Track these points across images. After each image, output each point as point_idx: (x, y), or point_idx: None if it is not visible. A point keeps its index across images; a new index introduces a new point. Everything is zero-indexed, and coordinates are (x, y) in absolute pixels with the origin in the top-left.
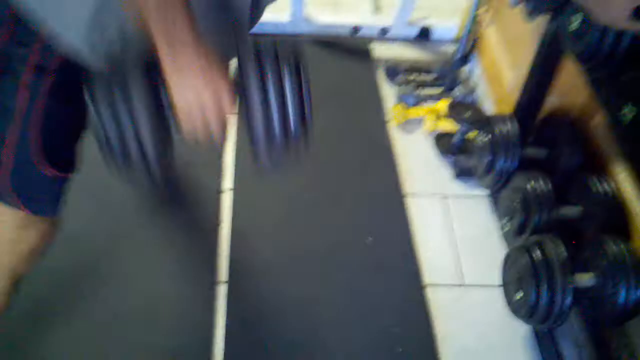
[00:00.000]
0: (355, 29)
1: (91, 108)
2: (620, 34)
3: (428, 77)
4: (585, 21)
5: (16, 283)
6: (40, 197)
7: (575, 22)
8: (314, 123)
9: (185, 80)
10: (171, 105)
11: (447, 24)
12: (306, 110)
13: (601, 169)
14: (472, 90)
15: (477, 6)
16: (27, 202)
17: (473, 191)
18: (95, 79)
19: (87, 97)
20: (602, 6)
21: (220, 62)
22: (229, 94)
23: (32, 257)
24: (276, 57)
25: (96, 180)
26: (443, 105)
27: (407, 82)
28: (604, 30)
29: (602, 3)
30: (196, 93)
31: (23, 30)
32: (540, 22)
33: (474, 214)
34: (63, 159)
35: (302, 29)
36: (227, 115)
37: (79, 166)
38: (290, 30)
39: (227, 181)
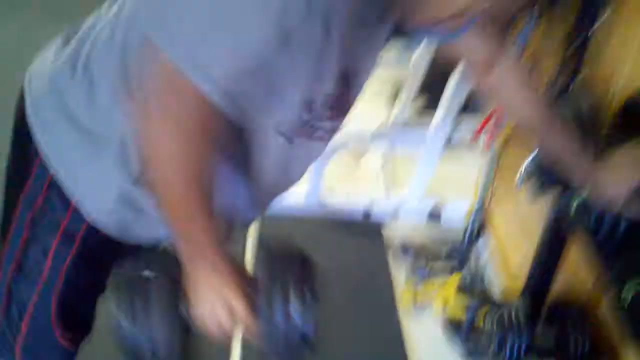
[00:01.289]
0: (367, 211)
1: (115, 312)
2: (618, 216)
3: (438, 257)
4: (586, 203)
5: None
6: None
7: (575, 204)
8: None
9: (200, 290)
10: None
11: (457, 205)
12: (312, 327)
13: (611, 355)
14: (481, 270)
15: (486, 187)
16: None
17: None
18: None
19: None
20: (600, 191)
21: (239, 274)
22: (240, 301)
23: None
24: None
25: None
26: (453, 285)
27: (417, 263)
28: (603, 212)
29: (600, 188)
30: (209, 300)
31: (57, 196)
32: (546, 203)
33: None
34: (79, 324)
35: (317, 210)
36: (241, 317)
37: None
38: (305, 212)
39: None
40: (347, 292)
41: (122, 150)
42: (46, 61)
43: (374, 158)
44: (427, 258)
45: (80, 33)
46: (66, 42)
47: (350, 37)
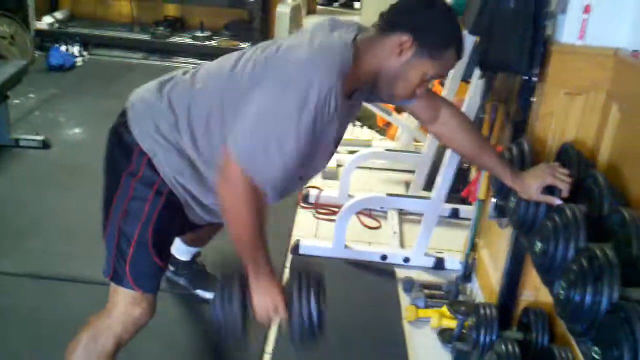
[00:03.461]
0: (384, 255)
1: (215, 299)
2: (537, 204)
3: (437, 292)
4: (518, 200)
5: (118, 349)
6: (148, 278)
7: (512, 201)
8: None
9: (259, 294)
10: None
11: (457, 257)
12: (323, 318)
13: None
14: (471, 295)
15: (474, 235)
16: (139, 282)
17: None
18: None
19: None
20: (523, 188)
21: (280, 286)
22: (281, 304)
23: (133, 329)
24: (308, 284)
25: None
26: (446, 310)
27: (419, 294)
28: (529, 203)
29: (524, 186)
30: (264, 301)
31: (152, 169)
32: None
33: None
34: (165, 253)
35: (342, 254)
36: (280, 313)
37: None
38: (332, 254)
39: (269, 346)
40: (364, 313)
41: (190, 160)
42: (146, 92)
43: (391, 219)
44: (428, 290)
45: (170, 79)
46: (160, 83)
47: (343, 117)
